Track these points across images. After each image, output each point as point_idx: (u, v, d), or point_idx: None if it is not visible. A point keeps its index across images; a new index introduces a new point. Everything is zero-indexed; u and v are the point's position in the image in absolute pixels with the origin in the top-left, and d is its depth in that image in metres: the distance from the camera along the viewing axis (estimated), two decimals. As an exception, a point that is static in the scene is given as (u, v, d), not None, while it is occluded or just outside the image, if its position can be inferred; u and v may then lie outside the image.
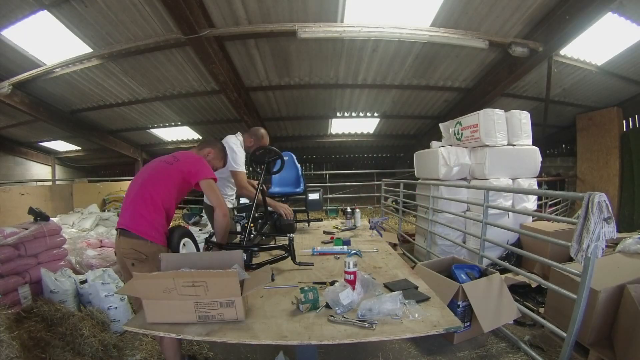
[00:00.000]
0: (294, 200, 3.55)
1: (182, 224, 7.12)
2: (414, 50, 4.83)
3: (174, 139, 8.94)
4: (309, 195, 3.25)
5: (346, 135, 8.67)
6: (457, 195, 3.93)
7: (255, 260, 2.05)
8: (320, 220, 3.78)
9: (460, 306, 2.28)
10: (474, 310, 2.21)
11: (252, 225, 2.59)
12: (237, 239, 2.22)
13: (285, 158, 3.67)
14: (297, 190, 3.49)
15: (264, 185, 2.66)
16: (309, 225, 3.45)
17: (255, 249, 2.08)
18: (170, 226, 1.89)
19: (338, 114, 7.22)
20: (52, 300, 2.57)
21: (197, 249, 2.01)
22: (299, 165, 3.70)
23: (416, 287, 1.62)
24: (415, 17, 4.18)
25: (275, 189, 3.55)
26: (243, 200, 3.01)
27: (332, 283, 1.65)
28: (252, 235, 2.23)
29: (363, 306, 1.32)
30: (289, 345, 1.29)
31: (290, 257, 2.05)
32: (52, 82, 5.66)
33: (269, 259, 2.05)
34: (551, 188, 7.10)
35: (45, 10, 3.99)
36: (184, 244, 1.81)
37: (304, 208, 3.43)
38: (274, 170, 2.81)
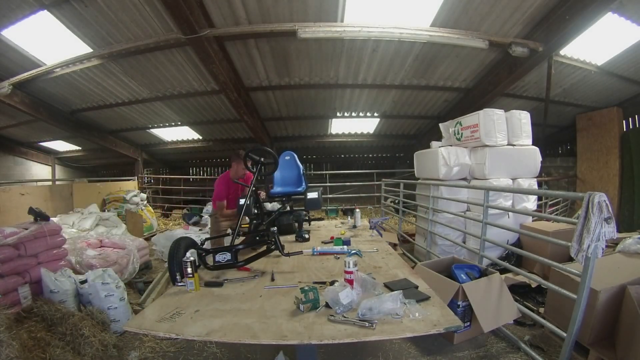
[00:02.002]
0: (294, 199, 3.56)
1: (182, 224, 7.12)
2: (414, 50, 4.82)
3: (174, 139, 8.93)
4: (308, 194, 3.26)
5: (346, 135, 8.66)
6: (457, 195, 3.93)
7: (242, 258, 2.09)
8: (320, 219, 3.78)
9: (460, 306, 2.28)
10: (474, 310, 2.21)
11: (246, 225, 2.62)
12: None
13: (287, 157, 3.67)
14: (299, 189, 3.49)
15: (255, 187, 2.70)
16: (309, 224, 3.46)
17: (241, 246, 2.12)
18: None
19: (338, 114, 7.21)
20: (52, 300, 2.57)
21: (200, 256, 2.06)
22: (300, 165, 3.70)
23: (416, 287, 1.62)
24: (415, 17, 4.18)
25: (277, 188, 3.56)
26: (242, 201, 3.05)
27: (332, 283, 1.65)
28: (239, 236, 2.29)
29: (363, 305, 1.32)
30: (289, 345, 1.28)
31: (277, 249, 2.08)
32: (52, 82, 5.66)
33: (254, 254, 2.10)
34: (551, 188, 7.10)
35: (45, 10, 3.98)
36: (190, 254, 1.86)
37: (303, 208, 3.43)
38: (268, 171, 2.85)
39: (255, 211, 2.82)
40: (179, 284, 1.77)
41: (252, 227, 2.69)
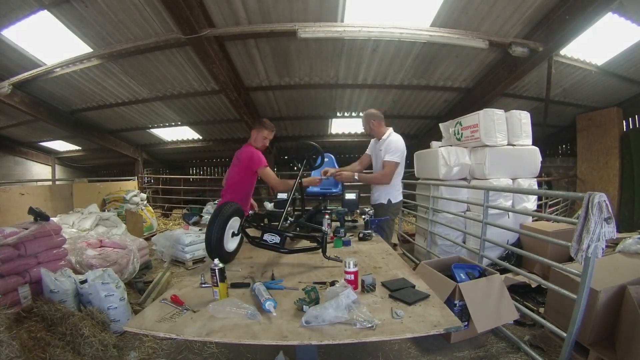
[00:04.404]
0: (330, 200, 3.59)
1: (182, 224, 7.12)
2: (414, 50, 4.82)
3: (174, 139, 8.94)
4: (346, 194, 3.27)
5: (346, 135, 8.66)
6: (457, 195, 3.93)
7: (287, 247, 2.06)
8: (355, 221, 3.72)
9: (457, 305, 2.28)
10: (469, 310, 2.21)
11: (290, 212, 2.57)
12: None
13: (326, 159, 3.70)
14: (335, 190, 3.52)
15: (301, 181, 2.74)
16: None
17: (290, 234, 2.06)
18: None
19: (338, 114, 7.21)
20: (52, 300, 2.57)
21: (244, 229, 2.04)
22: (337, 167, 3.71)
23: (413, 286, 1.62)
24: (415, 17, 4.18)
25: (314, 188, 3.56)
26: (280, 195, 3.16)
27: (332, 283, 1.65)
28: (288, 222, 2.24)
29: (309, 313, 1.30)
30: (289, 345, 1.28)
31: (321, 250, 2.02)
32: (52, 82, 5.66)
33: (300, 247, 2.09)
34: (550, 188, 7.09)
35: (45, 10, 3.98)
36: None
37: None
38: (315, 165, 2.87)
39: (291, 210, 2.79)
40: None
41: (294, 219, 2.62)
